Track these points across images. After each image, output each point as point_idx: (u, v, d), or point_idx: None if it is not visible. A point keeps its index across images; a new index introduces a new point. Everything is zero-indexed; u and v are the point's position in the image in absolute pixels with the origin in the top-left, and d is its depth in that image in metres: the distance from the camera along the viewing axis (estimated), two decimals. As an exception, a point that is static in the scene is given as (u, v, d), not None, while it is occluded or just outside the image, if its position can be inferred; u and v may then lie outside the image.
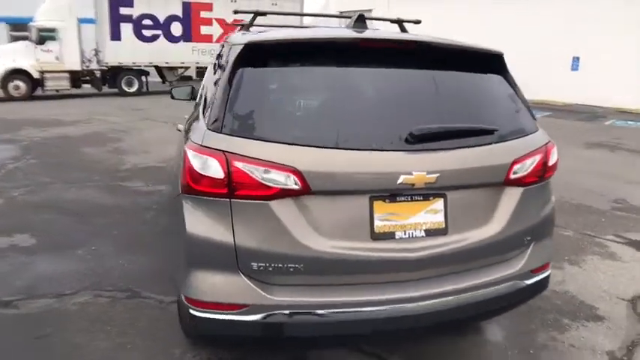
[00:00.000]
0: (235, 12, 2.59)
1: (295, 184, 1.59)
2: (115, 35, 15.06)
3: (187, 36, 16.90)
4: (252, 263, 1.64)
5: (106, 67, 15.15)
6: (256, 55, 1.74)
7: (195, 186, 1.64)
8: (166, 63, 16.72)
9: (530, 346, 2.50)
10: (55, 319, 2.59)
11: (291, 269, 1.65)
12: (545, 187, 2.05)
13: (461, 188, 1.79)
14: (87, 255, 3.45)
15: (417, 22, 2.80)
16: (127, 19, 15.25)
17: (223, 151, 1.60)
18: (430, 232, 1.77)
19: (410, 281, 1.77)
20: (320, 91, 1.82)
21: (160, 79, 17.20)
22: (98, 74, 15.24)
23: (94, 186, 5.23)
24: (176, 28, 16.61)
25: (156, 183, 5.42)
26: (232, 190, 1.60)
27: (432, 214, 1.76)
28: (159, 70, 17.01)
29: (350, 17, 2.49)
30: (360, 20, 2.10)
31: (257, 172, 1.58)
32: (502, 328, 2.65)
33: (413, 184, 1.68)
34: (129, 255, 3.46)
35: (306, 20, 17.64)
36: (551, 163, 2.01)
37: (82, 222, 4.10)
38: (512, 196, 1.90)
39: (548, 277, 2.16)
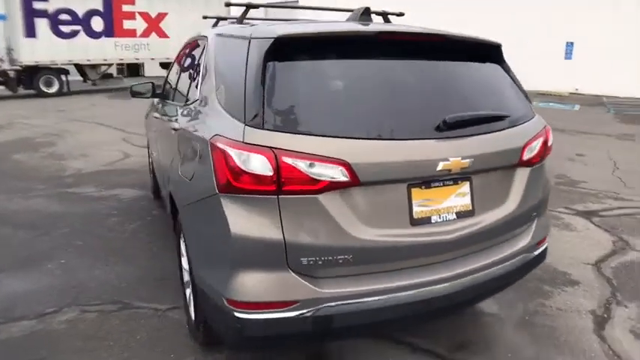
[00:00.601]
0: (227, 4, 2.48)
1: (344, 176, 1.58)
2: (30, 32, 13.73)
3: (109, 31, 15.85)
4: (302, 259, 1.61)
5: (21, 66, 13.75)
6: (286, 48, 1.70)
7: (238, 185, 1.57)
8: (88, 60, 15.58)
9: (524, 314, 2.70)
10: (43, 341, 2.34)
11: (340, 261, 1.64)
12: (543, 166, 2.22)
13: (483, 171, 1.88)
14: (57, 269, 3.15)
15: (401, 14, 2.87)
16: (42, 14, 13.95)
17: (271, 147, 1.55)
18: (460, 215, 1.85)
19: (444, 262, 1.85)
20: (352, 83, 1.81)
21: (81, 78, 15.99)
22: (12, 75, 13.78)
23: (40, 195, 4.77)
24: (97, 23, 15.50)
25: (108, 188, 5.06)
26: (280, 186, 1.55)
27: (460, 197, 1.85)
28: (80, 68, 15.80)
29: (350, 10, 2.51)
30: (366, 14, 2.11)
31: (306, 167, 1.55)
32: (494, 301, 2.82)
33: (450, 170, 1.75)
34: (103, 265, 3.21)
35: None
36: (549, 143, 2.18)
37: (41, 234, 3.73)
38: (522, 176, 2.04)
39: (546, 248, 2.34)
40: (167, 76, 3.86)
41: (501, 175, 1.98)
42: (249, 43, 1.82)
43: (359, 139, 1.64)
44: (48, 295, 2.81)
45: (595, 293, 2.96)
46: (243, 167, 1.56)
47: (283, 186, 1.55)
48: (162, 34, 17.00)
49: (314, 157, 1.55)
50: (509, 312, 2.72)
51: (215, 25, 3.04)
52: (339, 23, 2.00)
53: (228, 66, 2.01)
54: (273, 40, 1.68)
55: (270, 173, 1.54)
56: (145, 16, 16.59)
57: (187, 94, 2.52)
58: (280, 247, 1.58)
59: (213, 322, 1.83)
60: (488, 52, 2.14)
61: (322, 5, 3.01)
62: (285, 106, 1.65)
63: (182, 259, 2.50)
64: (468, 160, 1.77)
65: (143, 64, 21.53)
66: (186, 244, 2.13)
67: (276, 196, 1.56)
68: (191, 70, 2.63)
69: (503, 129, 1.95)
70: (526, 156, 2.01)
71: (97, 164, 6.13)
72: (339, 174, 1.57)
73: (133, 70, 20.40)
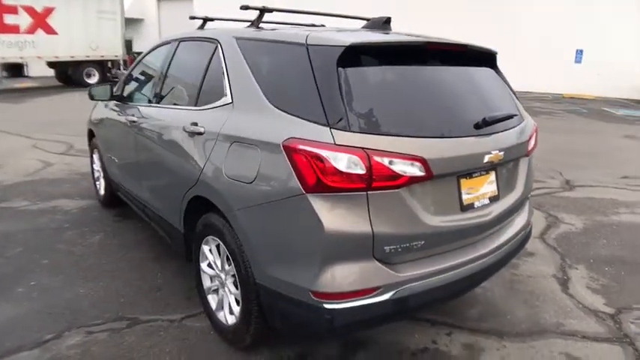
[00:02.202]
0: (243, 8, 2.43)
1: (421, 171, 1.75)
2: None
3: (-12, 27, 13.90)
4: (385, 247, 1.74)
5: None
6: (354, 56, 1.80)
7: (332, 184, 1.64)
8: (-37, 59, 13.48)
9: (505, 283, 3.11)
10: (61, 370, 2.14)
11: (415, 246, 1.81)
12: (532, 156, 2.61)
13: (504, 163, 2.17)
14: (32, 292, 2.82)
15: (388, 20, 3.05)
16: None
17: (363, 147, 1.66)
18: (491, 199, 2.14)
19: (481, 241, 2.12)
20: (413, 87, 1.98)
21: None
22: None
23: (-36, 213, 4.13)
24: (-28, 18, 13.46)
25: (43, 200, 4.56)
26: (370, 183, 1.66)
27: (490, 184, 2.12)
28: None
29: (365, 19, 2.65)
30: (387, 23, 2.28)
31: (392, 165, 1.69)
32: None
33: (492, 162, 2.01)
34: (84, 282, 2.96)
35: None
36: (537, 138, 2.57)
37: (-9, 256, 3.28)
38: (524, 165, 2.40)
39: (532, 226, 2.75)
40: (128, 79, 3.62)
41: (513, 164, 2.31)
42: (308, 49, 1.87)
43: (430, 137, 1.83)
44: (36, 320, 2.53)
45: (549, 261, 3.50)
46: (337, 167, 1.64)
47: (372, 183, 1.67)
48: (50, 31, 15.32)
49: (397, 155, 1.70)
50: (491, 282, 3.11)
51: (202, 26, 2.95)
52: (391, 34, 2.14)
53: (279, 71, 2.03)
54: (345, 47, 1.77)
55: (363, 172, 1.65)
56: (29, 10, 14.79)
57: (197, 97, 2.45)
58: (369, 238, 1.70)
59: (291, 317, 1.86)
60: (492, 59, 2.44)
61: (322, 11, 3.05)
62: (364, 110, 1.76)
63: (201, 265, 2.44)
64: (502, 153, 2.05)
65: (26, 63, 19.20)
66: (227, 250, 2.11)
67: (365, 193, 1.68)
68: (196, 73, 2.55)
69: (517, 125, 2.27)
70: (529, 147, 2.36)
71: (17, 175, 5.44)
72: (417, 169, 1.73)
73: (15, 70, 18.07)
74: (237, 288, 2.15)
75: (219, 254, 2.26)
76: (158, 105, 2.93)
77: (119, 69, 18.25)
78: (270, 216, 1.81)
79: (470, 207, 2.02)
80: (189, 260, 2.67)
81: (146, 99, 3.15)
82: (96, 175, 4.55)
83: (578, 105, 14.47)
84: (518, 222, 2.44)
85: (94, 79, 16.88)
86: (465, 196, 1.99)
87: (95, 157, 4.49)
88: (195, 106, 2.45)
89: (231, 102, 2.15)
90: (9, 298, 2.76)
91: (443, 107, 2.02)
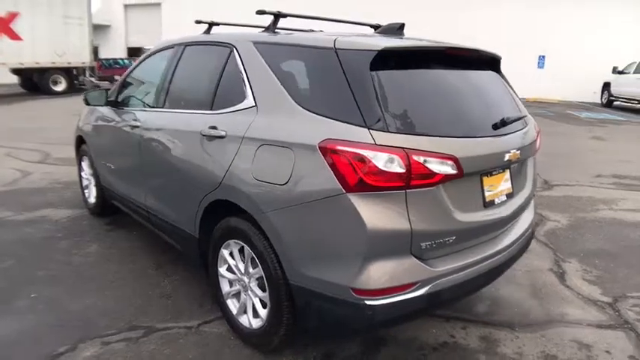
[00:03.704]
0: (259, 13, 2.43)
1: (454, 169, 1.81)
2: None
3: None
4: (421, 244, 1.79)
5: None
6: (386, 59, 1.86)
7: (374, 183, 1.68)
8: None
9: (506, 278, 3.21)
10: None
11: (447, 242, 1.87)
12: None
13: (517, 161, 2.27)
14: (35, 304, 2.71)
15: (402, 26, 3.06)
16: None
17: (402, 147, 1.71)
18: (508, 196, 2.23)
19: (499, 236, 2.21)
20: (439, 89, 2.06)
21: None
22: None
23: (-56, 225, 3.91)
24: None
25: (28, 210, 4.38)
26: (409, 181, 1.71)
27: (505, 182, 2.22)
28: None
29: (374, 26, 2.71)
30: (401, 29, 2.35)
31: (428, 163, 1.74)
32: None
33: (511, 160, 2.11)
34: (87, 292, 2.86)
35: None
36: None
37: (-17, 270, 3.12)
38: (530, 164, 2.52)
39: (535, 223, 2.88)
40: (125, 84, 3.55)
41: (522, 163, 2.42)
42: (337, 53, 1.91)
43: (459, 137, 1.91)
44: (45, 333, 2.43)
45: (544, 256, 3.65)
46: (379, 166, 1.68)
47: (411, 181, 1.72)
48: (14, 37, 14.72)
49: (433, 154, 1.76)
50: (497, 280, 3.21)
51: (208, 30, 2.93)
52: (410, 39, 2.20)
53: (306, 74, 2.06)
54: (377, 52, 1.82)
55: (403, 170, 1.70)
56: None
57: (213, 101, 2.43)
58: (407, 235, 1.75)
59: (328, 316, 1.87)
60: (497, 63, 2.55)
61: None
62: (398, 111, 1.82)
63: (219, 269, 2.42)
64: (519, 152, 2.15)
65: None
66: (254, 253, 2.10)
67: (404, 191, 1.73)
68: (208, 77, 2.54)
69: (527, 126, 2.38)
70: (536, 147, 2.48)
71: (-8, 184, 5.19)
72: (450, 168, 1.80)
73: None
74: (263, 290, 2.15)
75: (242, 258, 2.25)
76: (164, 109, 2.88)
77: (85, 75, 17.73)
78: (307, 216, 1.82)
79: (491, 203, 2.11)
80: (202, 266, 2.64)
81: (149, 103, 3.09)
82: (84, 183, 4.41)
83: (544, 108, 15.15)
84: (527, 218, 2.55)
85: (60, 87, 16.31)
86: (487, 193, 2.08)
87: (84, 164, 4.35)
88: (211, 109, 2.43)
89: (255, 105, 2.15)
90: (10, 311, 2.64)
91: (466, 108, 2.10)
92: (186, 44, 2.90)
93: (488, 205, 2.09)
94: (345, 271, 1.76)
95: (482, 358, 2.33)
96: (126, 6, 24.56)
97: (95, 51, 19.29)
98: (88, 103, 3.56)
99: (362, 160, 1.70)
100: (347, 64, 1.86)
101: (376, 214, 1.70)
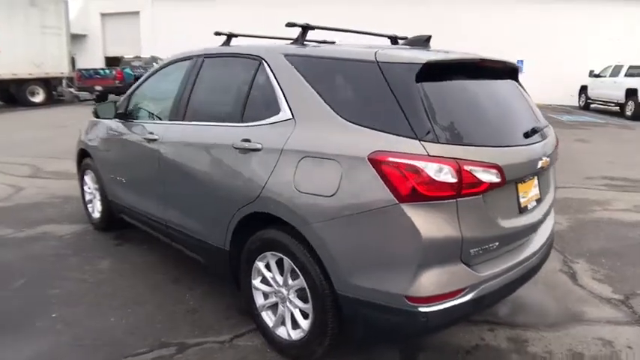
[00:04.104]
0: (289, 25, 2.45)
1: (498, 177, 1.87)
2: None
3: None
4: (470, 250, 1.84)
5: None
6: (430, 72, 1.90)
7: (427, 192, 1.73)
8: None
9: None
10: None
11: (491, 247, 1.93)
12: None
13: (547, 168, 2.35)
14: (55, 324, 2.63)
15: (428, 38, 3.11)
16: None
17: (454, 158, 1.76)
18: (537, 201, 2.31)
19: (531, 240, 2.29)
20: (476, 100, 2.12)
21: None
22: None
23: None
24: None
25: (28, 226, 4.26)
26: (460, 190, 1.76)
27: (534, 188, 2.30)
28: None
29: (390, 36, 2.76)
30: (427, 41, 2.42)
31: (476, 172, 1.80)
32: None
33: (543, 167, 2.20)
34: (108, 310, 2.80)
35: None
36: None
37: (-5, 290, 3.02)
38: (552, 170, 2.61)
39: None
40: (135, 96, 3.51)
41: (548, 169, 2.50)
42: (380, 66, 1.95)
43: (500, 146, 1.97)
44: (72, 354, 2.37)
45: (552, 257, 3.69)
46: (432, 177, 1.73)
47: (462, 190, 1.77)
48: (-12, 48, 14.29)
49: (480, 164, 1.82)
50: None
51: (227, 42, 2.94)
52: (445, 52, 2.26)
53: (347, 87, 2.08)
54: (422, 65, 1.87)
55: (455, 180, 1.75)
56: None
57: (242, 114, 2.44)
58: (458, 243, 1.80)
59: (379, 323, 1.89)
60: (516, 73, 2.64)
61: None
62: (445, 123, 1.86)
63: (254, 282, 2.41)
64: (549, 158, 2.24)
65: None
66: (294, 264, 2.12)
67: (455, 200, 1.77)
68: (235, 90, 2.55)
69: (550, 133, 2.48)
70: (557, 153, 2.57)
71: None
72: (494, 176, 1.86)
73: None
74: (304, 302, 2.15)
75: (280, 270, 2.26)
76: (185, 122, 2.85)
77: (62, 86, 17.33)
78: (357, 227, 1.84)
79: (525, 209, 2.18)
80: (232, 279, 2.62)
81: (167, 116, 3.06)
82: (87, 197, 4.32)
83: (524, 112, 15.55)
84: (550, 223, 2.63)
85: (38, 98, 15.90)
86: (521, 200, 2.15)
87: (87, 178, 4.27)
88: (241, 122, 2.43)
89: (292, 118, 2.17)
90: (31, 332, 2.56)
91: (501, 117, 2.18)
92: (206, 56, 2.89)
93: (523, 210, 2.16)
94: (399, 279, 1.79)
95: (515, 358, 2.39)
96: (103, 15, 24.15)
97: (72, 61, 18.92)
98: (98, 116, 3.50)
99: (415, 170, 1.74)
100: (391, 77, 1.90)
101: (430, 223, 1.74)
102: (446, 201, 1.77)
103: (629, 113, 14.32)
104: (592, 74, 16.53)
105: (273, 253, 2.24)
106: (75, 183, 5.72)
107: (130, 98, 3.54)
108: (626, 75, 14.84)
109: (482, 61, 2.18)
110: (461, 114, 1.99)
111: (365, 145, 1.85)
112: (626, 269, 3.53)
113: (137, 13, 23.42)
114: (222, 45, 2.93)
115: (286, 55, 2.33)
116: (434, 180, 1.73)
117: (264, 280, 2.37)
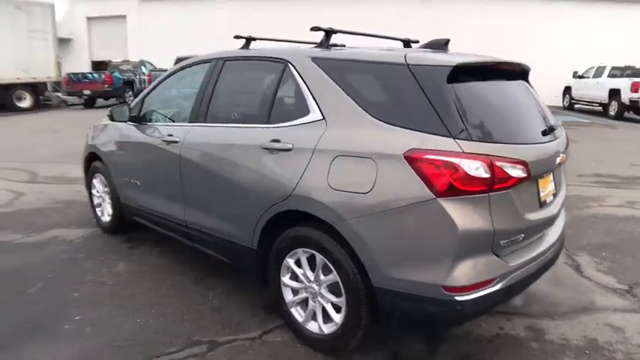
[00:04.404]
0: (314, 29, 2.52)
1: (524, 173, 1.98)
2: None
3: None
4: (501, 242, 1.95)
5: None
6: (459, 74, 2.01)
7: (462, 187, 1.83)
8: None
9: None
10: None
11: (518, 239, 2.05)
12: None
13: (562, 164, 2.48)
14: (82, 327, 2.66)
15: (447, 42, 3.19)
16: None
17: (487, 154, 1.87)
18: (554, 195, 2.44)
19: (549, 232, 2.41)
20: (501, 100, 2.24)
21: None
22: None
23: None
24: None
25: (36, 231, 4.25)
26: (492, 185, 1.87)
27: (551, 183, 2.43)
28: None
29: (403, 40, 2.87)
30: (446, 44, 2.52)
31: (507, 168, 1.91)
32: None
33: (560, 163, 2.33)
34: (133, 311, 2.83)
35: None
36: None
37: (16, 295, 3.02)
38: (564, 166, 2.73)
39: None
40: (149, 99, 3.55)
41: (560, 166, 2.63)
42: (410, 68, 2.05)
43: (525, 144, 2.10)
44: (105, 355, 2.39)
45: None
46: (468, 172, 1.83)
47: (494, 185, 1.87)
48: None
49: (509, 160, 1.93)
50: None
51: (246, 45, 3.00)
52: (471, 54, 2.37)
53: (377, 88, 2.18)
54: (453, 67, 1.98)
55: (488, 175, 1.86)
56: None
57: (269, 115, 2.51)
58: (491, 234, 1.91)
59: (415, 314, 1.98)
60: (527, 74, 2.77)
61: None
62: (476, 121, 1.97)
63: (283, 278, 2.48)
64: (565, 155, 2.36)
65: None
66: (327, 260, 2.20)
67: (487, 194, 1.88)
68: (261, 92, 2.62)
69: (562, 131, 2.60)
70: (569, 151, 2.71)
71: (-12, 206, 4.98)
72: (521, 172, 1.97)
73: None
74: (337, 296, 2.23)
75: (312, 266, 2.33)
76: (208, 124, 2.90)
77: (49, 90, 17.09)
78: (394, 222, 1.93)
79: (544, 203, 2.30)
80: (260, 277, 2.67)
81: (186, 118, 3.10)
82: (96, 201, 4.32)
83: (511, 113, 15.88)
84: (562, 217, 2.76)
85: (25, 103, 15.65)
86: (541, 194, 2.27)
87: (95, 181, 4.27)
88: (268, 123, 2.50)
89: (322, 118, 2.25)
90: (59, 336, 2.57)
91: (522, 116, 2.31)
92: (226, 59, 2.94)
93: (543, 204, 2.28)
94: (436, 270, 1.88)
95: (534, 345, 2.50)
96: (89, 19, 23.82)
97: (58, 66, 18.67)
98: (113, 119, 3.52)
99: (452, 167, 1.84)
100: (423, 79, 2.00)
101: (465, 217, 1.84)
102: (479, 195, 1.87)
103: (612, 113, 14.75)
104: (576, 75, 16.97)
105: (305, 249, 2.31)
106: (75, 187, 5.73)
107: (144, 101, 3.57)
108: (609, 76, 15.29)
109: (500, 63, 2.30)
110: (488, 113, 2.10)
111: (400, 143, 1.94)
112: (626, 261, 3.69)
113: (124, 16, 23.17)
114: (242, 48, 3.00)
115: (313, 59, 2.41)
116: (469, 175, 1.83)
117: (294, 277, 2.44)
